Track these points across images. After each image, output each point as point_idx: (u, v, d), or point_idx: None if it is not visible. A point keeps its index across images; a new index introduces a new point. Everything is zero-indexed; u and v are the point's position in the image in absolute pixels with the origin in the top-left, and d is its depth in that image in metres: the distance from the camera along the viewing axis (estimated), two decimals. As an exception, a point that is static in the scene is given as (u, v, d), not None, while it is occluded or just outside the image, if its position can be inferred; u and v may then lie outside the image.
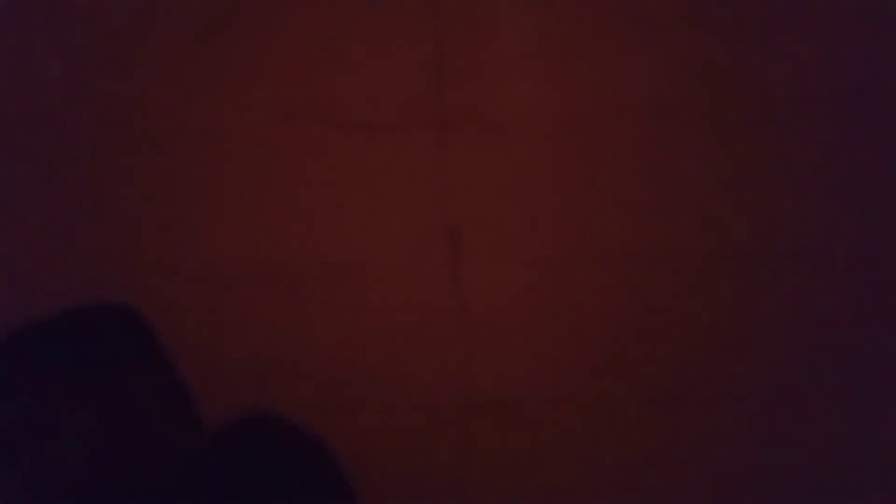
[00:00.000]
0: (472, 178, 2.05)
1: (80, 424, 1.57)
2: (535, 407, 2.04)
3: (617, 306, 2.08)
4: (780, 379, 2.11)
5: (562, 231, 2.08)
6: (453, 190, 2.05)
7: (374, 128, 1.91)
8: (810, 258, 2.10)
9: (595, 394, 1.89)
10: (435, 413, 2.04)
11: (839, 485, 2.09)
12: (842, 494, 2.09)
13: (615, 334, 2.08)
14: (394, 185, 2.06)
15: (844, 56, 2.10)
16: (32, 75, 2.02)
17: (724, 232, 2.10)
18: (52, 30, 2.02)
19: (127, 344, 1.68)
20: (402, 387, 2.04)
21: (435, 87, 2.07)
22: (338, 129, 1.95)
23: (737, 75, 2.09)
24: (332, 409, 2.02)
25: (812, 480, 2.09)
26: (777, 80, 2.10)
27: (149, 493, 1.47)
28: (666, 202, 2.09)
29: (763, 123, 2.10)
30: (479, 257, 1.93)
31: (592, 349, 1.94)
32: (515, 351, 2.05)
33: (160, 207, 2.03)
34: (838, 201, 2.10)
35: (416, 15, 2.08)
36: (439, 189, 2.04)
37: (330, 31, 2.07)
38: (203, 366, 2.03)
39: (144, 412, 1.61)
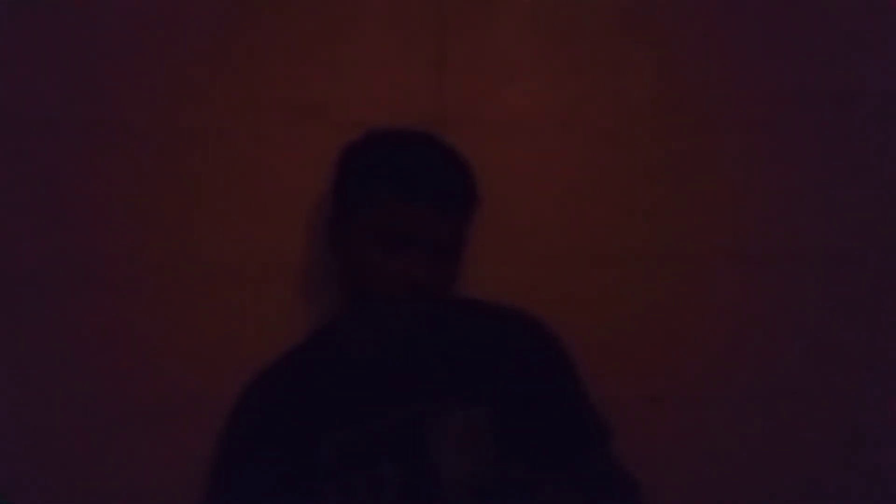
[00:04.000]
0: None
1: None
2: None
3: (617, 306, 2.08)
4: (780, 379, 2.11)
5: (562, 231, 2.08)
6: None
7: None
8: (810, 258, 2.10)
9: (595, 393, 1.89)
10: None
11: (839, 485, 2.09)
12: (842, 494, 2.09)
13: (615, 334, 2.08)
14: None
15: (844, 56, 2.11)
16: (33, 75, 2.02)
17: (724, 232, 2.10)
18: (53, 29, 2.02)
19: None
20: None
21: (435, 87, 2.07)
22: (338, 128, 1.95)
23: (737, 75, 2.10)
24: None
25: (812, 480, 2.10)
26: (777, 80, 2.10)
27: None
28: (666, 202, 2.10)
29: (763, 123, 2.10)
30: (480, 257, 1.93)
31: (593, 349, 1.93)
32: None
33: (160, 207, 2.03)
34: (838, 201, 2.11)
35: (417, 15, 2.08)
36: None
37: (330, 31, 2.07)
38: (203, 365, 2.03)
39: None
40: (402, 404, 1.82)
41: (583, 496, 1.78)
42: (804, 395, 2.10)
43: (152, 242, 2.03)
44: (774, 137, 2.10)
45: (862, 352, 2.10)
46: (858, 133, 2.10)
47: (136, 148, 2.03)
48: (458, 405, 1.82)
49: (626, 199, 2.09)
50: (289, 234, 2.05)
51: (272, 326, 2.02)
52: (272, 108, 2.04)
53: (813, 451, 2.10)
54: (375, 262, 1.77)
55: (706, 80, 2.09)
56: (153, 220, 2.02)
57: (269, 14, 2.05)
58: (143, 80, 2.03)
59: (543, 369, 1.88)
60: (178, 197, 2.03)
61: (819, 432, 2.09)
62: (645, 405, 2.07)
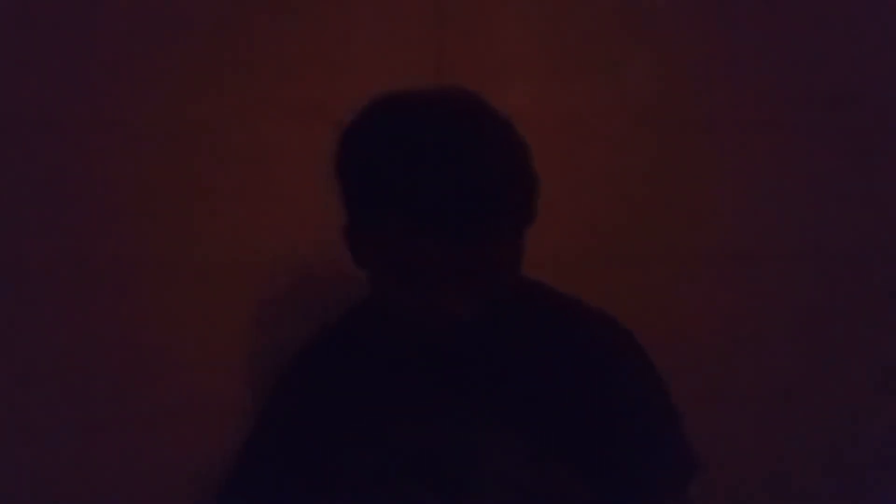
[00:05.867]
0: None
1: None
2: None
3: (618, 306, 2.08)
4: (781, 379, 2.11)
5: (562, 231, 2.08)
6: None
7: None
8: (810, 258, 2.10)
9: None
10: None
11: (840, 484, 2.09)
12: (843, 494, 2.09)
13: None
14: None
15: (845, 57, 2.10)
16: (34, 74, 2.01)
17: (724, 232, 2.10)
18: (55, 28, 2.02)
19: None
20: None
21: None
22: (339, 128, 1.95)
23: (738, 75, 2.09)
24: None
25: (813, 480, 2.10)
26: (777, 80, 2.10)
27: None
28: (666, 202, 2.10)
29: (764, 124, 2.10)
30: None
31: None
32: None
33: (160, 206, 2.02)
34: (838, 201, 2.11)
35: (417, 15, 2.08)
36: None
37: (331, 30, 2.06)
38: (203, 365, 2.03)
39: None
40: (441, 417, 1.54)
41: None
42: (804, 395, 2.10)
43: (154, 242, 2.03)
44: (775, 137, 2.10)
45: (862, 352, 2.10)
46: (858, 133, 2.10)
47: (137, 147, 2.03)
48: (503, 426, 1.53)
49: (627, 199, 2.09)
50: (292, 233, 2.04)
51: (275, 326, 2.02)
52: (273, 108, 2.04)
53: (813, 451, 2.10)
54: (399, 297, 1.45)
55: (707, 80, 2.09)
56: (155, 219, 2.02)
57: (268, 13, 2.05)
58: (143, 79, 2.02)
59: (617, 389, 1.58)
60: (180, 196, 2.03)
61: (819, 432, 2.09)
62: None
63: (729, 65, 2.09)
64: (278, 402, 1.68)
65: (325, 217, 1.99)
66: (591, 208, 2.08)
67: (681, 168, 2.09)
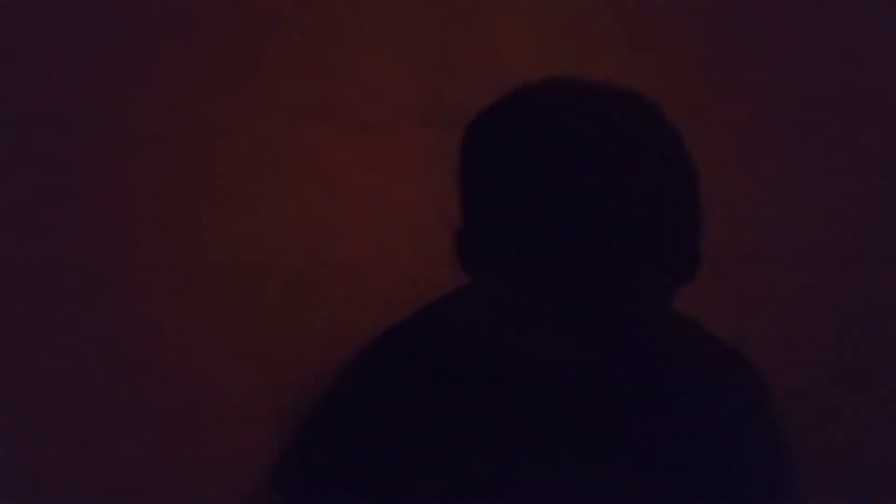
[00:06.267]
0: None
1: None
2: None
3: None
4: (783, 379, 2.10)
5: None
6: (454, 189, 2.04)
7: (375, 127, 1.91)
8: (812, 258, 2.10)
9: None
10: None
11: (841, 485, 2.09)
12: (844, 494, 2.08)
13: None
14: (395, 185, 2.06)
15: (844, 56, 2.10)
16: (52, 77, 2.02)
17: (725, 232, 2.10)
18: (71, 31, 2.02)
19: None
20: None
21: (435, 87, 2.07)
22: (339, 128, 1.96)
23: (737, 75, 2.10)
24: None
25: (814, 481, 2.09)
26: (778, 79, 2.10)
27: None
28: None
29: (764, 123, 2.10)
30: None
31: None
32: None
33: (162, 206, 2.03)
34: (838, 201, 2.11)
35: (417, 15, 2.08)
36: (439, 188, 2.03)
37: (332, 32, 2.07)
38: (203, 365, 2.03)
39: None
40: (525, 443, 1.27)
41: None
42: (804, 395, 2.10)
43: (154, 241, 2.03)
44: (775, 137, 2.10)
45: (862, 352, 2.10)
46: (858, 133, 2.10)
47: (149, 149, 2.03)
48: (594, 461, 1.26)
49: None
50: (289, 233, 2.04)
51: (289, 328, 2.02)
52: (273, 109, 2.05)
53: (814, 451, 2.10)
54: (507, 325, 1.18)
55: (707, 80, 2.10)
56: (155, 218, 2.02)
57: (272, 15, 2.06)
58: (157, 81, 2.03)
59: (743, 442, 1.34)
60: (179, 196, 2.03)
61: (821, 432, 2.09)
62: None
63: (730, 66, 2.09)
64: (334, 407, 1.42)
65: (325, 216, 2.00)
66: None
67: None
